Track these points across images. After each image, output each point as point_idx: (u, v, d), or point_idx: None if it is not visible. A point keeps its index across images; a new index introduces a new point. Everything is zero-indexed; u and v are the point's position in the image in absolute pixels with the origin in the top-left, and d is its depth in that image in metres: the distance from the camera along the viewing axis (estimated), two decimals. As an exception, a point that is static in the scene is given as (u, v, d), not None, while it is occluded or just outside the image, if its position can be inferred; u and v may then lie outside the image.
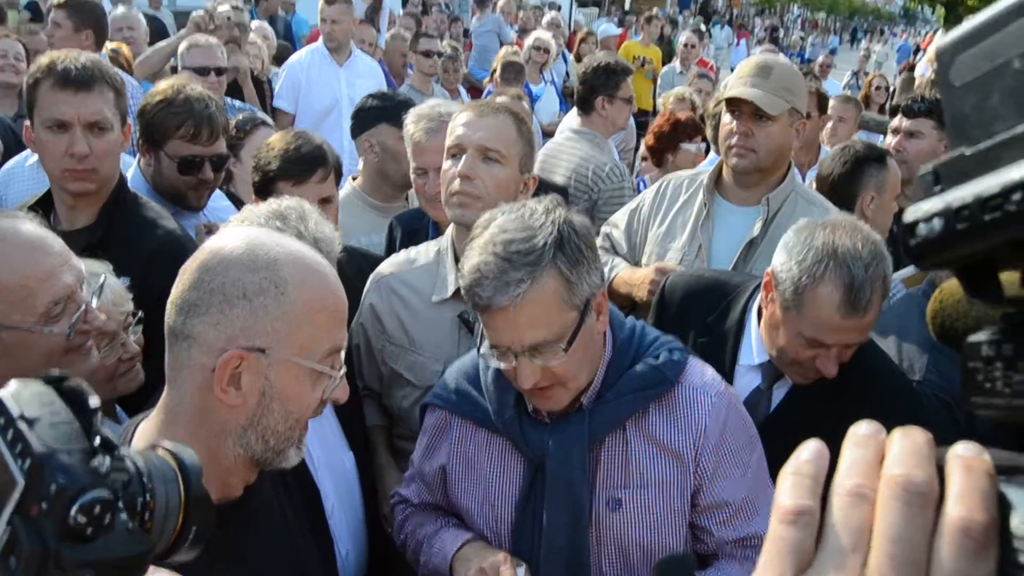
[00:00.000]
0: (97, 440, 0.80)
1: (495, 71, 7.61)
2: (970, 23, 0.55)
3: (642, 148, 5.64)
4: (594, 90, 4.56)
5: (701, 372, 1.95)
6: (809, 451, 0.55)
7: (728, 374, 2.32)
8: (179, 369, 1.38)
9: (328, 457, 2.17)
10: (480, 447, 1.98)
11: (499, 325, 1.74)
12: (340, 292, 1.46)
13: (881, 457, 0.52)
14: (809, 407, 2.23)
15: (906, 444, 0.52)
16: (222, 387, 1.34)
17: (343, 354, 1.47)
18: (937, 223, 0.53)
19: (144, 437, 1.42)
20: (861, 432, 0.55)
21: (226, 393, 1.34)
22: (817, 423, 2.15)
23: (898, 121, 4.01)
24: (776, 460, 2.11)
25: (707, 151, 4.86)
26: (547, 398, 1.83)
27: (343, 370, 1.46)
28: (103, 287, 1.91)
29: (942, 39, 0.57)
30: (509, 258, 1.70)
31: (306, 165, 2.79)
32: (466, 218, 2.28)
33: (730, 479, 1.88)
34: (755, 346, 2.34)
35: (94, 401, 0.83)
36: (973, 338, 0.56)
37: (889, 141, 4.02)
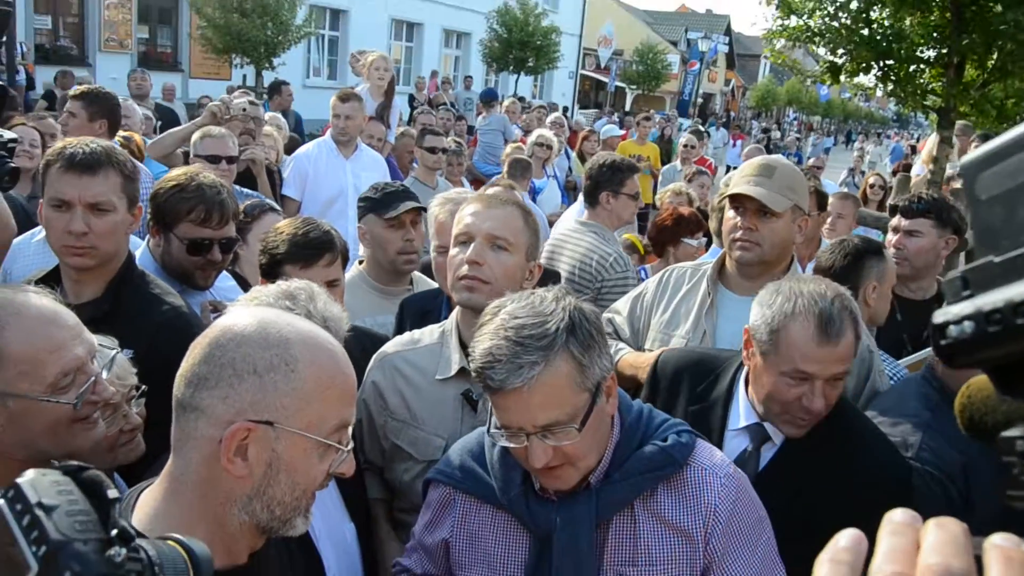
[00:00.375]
0: (114, 531, 0.82)
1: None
2: (992, 144, 0.59)
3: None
4: (600, 185, 4.72)
5: (710, 454, 1.97)
6: (847, 538, 0.55)
7: (718, 439, 2.40)
8: (185, 440, 1.39)
9: (329, 528, 2.17)
10: (485, 523, 1.98)
11: (511, 406, 1.76)
12: (349, 370, 1.48)
13: (917, 545, 0.52)
14: (797, 466, 2.32)
15: (942, 534, 0.51)
16: (228, 457, 1.34)
17: (351, 429, 1.49)
18: (968, 326, 0.56)
19: (146, 505, 1.42)
20: (897, 519, 0.54)
21: (232, 464, 1.35)
22: (804, 482, 2.28)
23: (897, 220, 4.08)
24: (773, 514, 2.08)
25: (708, 244, 4.94)
26: (556, 477, 1.83)
27: (350, 445, 1.47)
28: (114, 361, 1.94)
29: (966, 158, 0.61)
30: (522, 342, 1.73)
31: (314, 249, 2.85)
32: (473, 301, 2.35)
33: (740, 559, 1.88)
34: (743, 410, 2.44)
35: (112, 493, 0.86)
36: (1007, 433, 0.59)
37: (889, 239, 4.08)
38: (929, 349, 2.91)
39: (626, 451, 1.90)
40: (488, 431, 1.87)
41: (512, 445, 1.80)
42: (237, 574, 1.45)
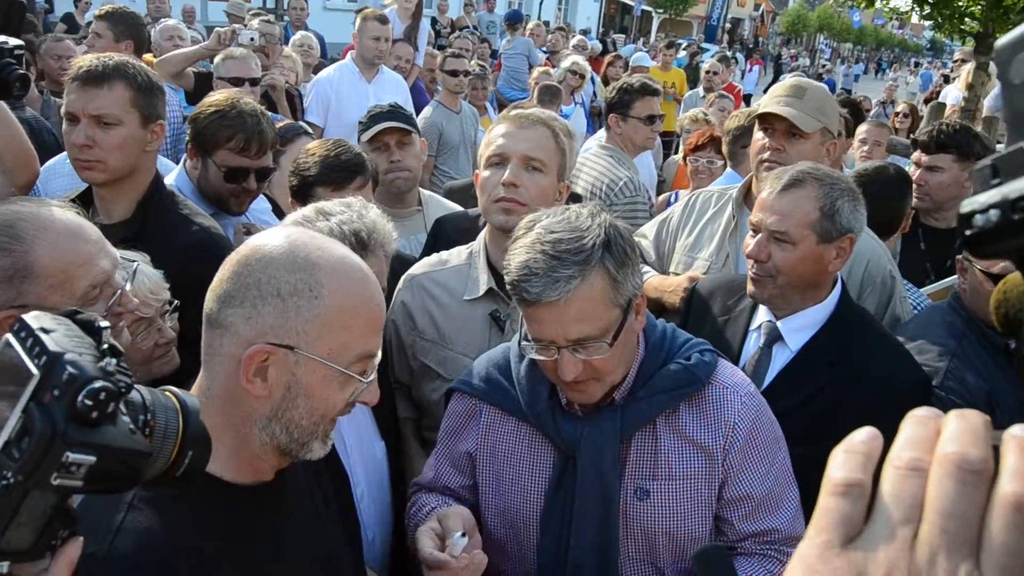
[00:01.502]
0: (105, 346, 0.92)
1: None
2: None
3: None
4: (609, 108, 4.70)
5: (732, 373, 2.01)
6: (863, 433, 0.56)
7: (741, 342, 2.48)
8: (212, 355, 1.41)
9: (360, 445, 2.22)
10: (509, 436, 2.02)
11: (545, 319, 1.77)
12: (377, 300, 1.47)
13: (938, 436, 0.53)
14: (811, 371, 2.36)
15: (962, 424, 0.52)
16: (248, 377, 1.36)
17: (376, 360, 1.48)
18: (994, 214, 0.56)
19: None
20: (919, 413, 0.55)
21: (251, 383, 1.36)
22: (818, 387, 2.33)
23: (918, 155, 4.02)
24: (781, 418, 2.13)
25: (724, 167, 4.93)
26: (581, 391, 1.86)
27: (373, 377, 1.47)
28: (136, 272, 1.98)
29: (999, 40, 0.60)
30: (558, 256, 1.74)
31: (346, 172, 2.85)
32: (510, 223, 2.32)
33: (755, 474, 1.93)
34: (762, 311, 2.51)
35: (103, 322, 0.95)
36: None
37: (912, 172, 4.03)
38: (953, 277, 2.89)
39: (651, 369, 1.94)
40: (519, 343, 1.89)
41: (542, 358, 1.82)
42: (263, 489, 1.48)
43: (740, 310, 2.56)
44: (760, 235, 2.37)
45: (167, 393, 1.02)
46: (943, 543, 0.49)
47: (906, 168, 4.01)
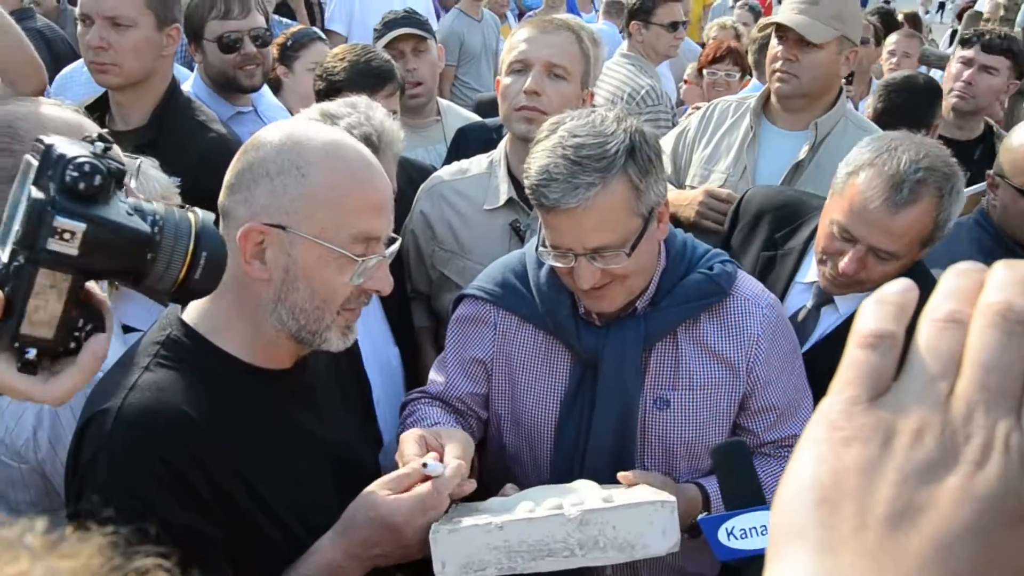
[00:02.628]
0: (95, 135, 1.00)
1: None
2: None
3: (687, 73, 5.58)
4: (631, 15, 4.58)
5: (752, 284, 2.00)
6: (897, 284, 0.51)
7: (783, 291, 2.31)
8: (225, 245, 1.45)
9: (375, 351, 2.22)
10: (525, 342, 2.00)
11: (563, 226, 1.74)
12: (376, 181, 1.46)
13: (981, 289, 0.48)
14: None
15: (1009, 273, 0.48)
16: (246, 259, 1.39)
17: (382, 244, 1.48)
18: None
19: (196, 304, 1.48)
20: (961, 266, 0.51)
21: (250, 265, 1.40)
22: None
23: (973, 53, 3.80)
24: (820, 383, 2.12)
25: (746, 76, 4.83)
26: (600, 298, 1.84)
27: (375, 259, 1.46)
28: (139, 170, 1.97)
29: None
30: (580, 161, 1.70)
31: (376, 78, 2.81)
32: (532, 133, 2.24)
33: (779, 385, 1.95)
34: (814, 265, 2.27)
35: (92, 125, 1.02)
36: None
37: (957, 71, 3.81)
38: (978, 185, 2.83)
39: (672, 279, 1.92)
40: (536, 248, 1.87)
41: (559, 265, 1.80)
42: (280, 375, 1.52)
43: (789, 249, 2.36)
44: (858, 249, 2.04)
45: (188, 211, 1.07)
46: (982, 398, 0.45)
47: (938, 80, 3.91)
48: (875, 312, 0.50)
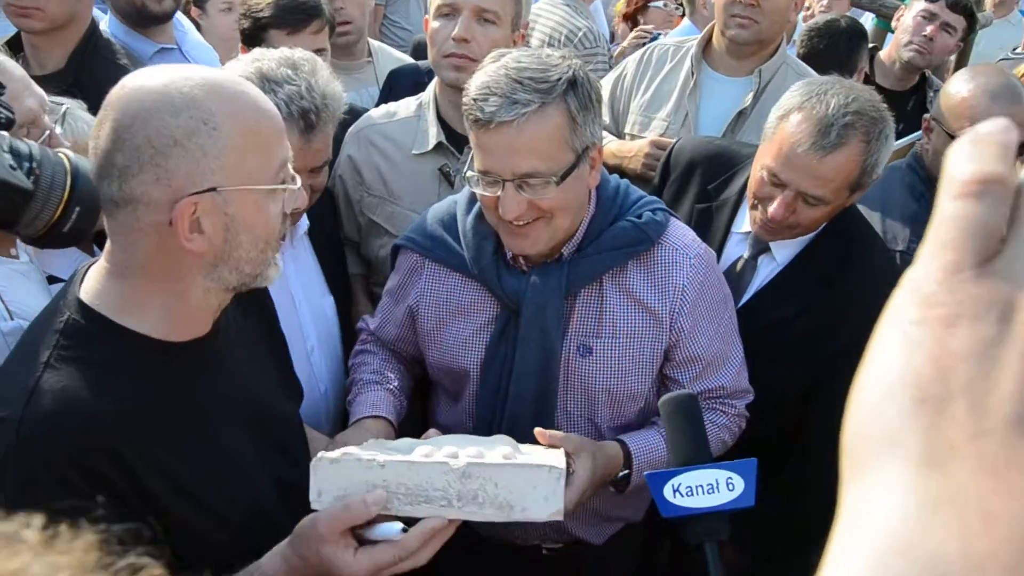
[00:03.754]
0: None
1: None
2: None
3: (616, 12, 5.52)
4: None
5: (682, 233, 1.98)
6: (995, 122, 0.41)
7: (721, 242, 2.31)
8: (127, 232, 1.32)
9: (309, 301, 2.20)
10: (453, 291, 2.00)
11: (495, 146, 1.72)
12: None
13: None
14: (795, 288, 2.22)
15: None
16: (186, 236, 1.29)
17: (290, 164, 1.42)
18: None
19: (96, 282, 1.37)
20: None
21: (191, 241, 1.30)
22: (800, 307, 2.18)
23: (938, 8, 3.73)
24: (761, 333, 2.13)
25: (682, 15, 4.76)
26: (525, 236, 1.82)
27: (297, 181, 1.42)
28: (65, 115, 1.90)
29: None
30: (521, 81, 1.69)
31: (302, 14, 2.71)
32: (461, 81, 2.21)
33: (705, 336, 1.95)
34: (749, 214, 2.26)
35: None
36: None
37: (913, 24, 3.74)
38: (912, 136, 2.87)
39: (600, 225, 1.90)
40: (464, 174, 1.85)
41: (486, 193, 1.78)
42: (195, 346, 1.42)
43: (723, 200, 2.35)
44: (787, 194, 2.04)
45: (60, 153, 1.00)
46: None
47: (864, 23, 3.88)
48: (974, 153, 0.39)
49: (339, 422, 2.27)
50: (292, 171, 1.41)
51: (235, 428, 1.49)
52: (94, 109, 2.13)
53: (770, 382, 2.10)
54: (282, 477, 1.53)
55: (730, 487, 1.43)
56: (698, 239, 2.01)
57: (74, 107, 2.00)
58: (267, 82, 1.90)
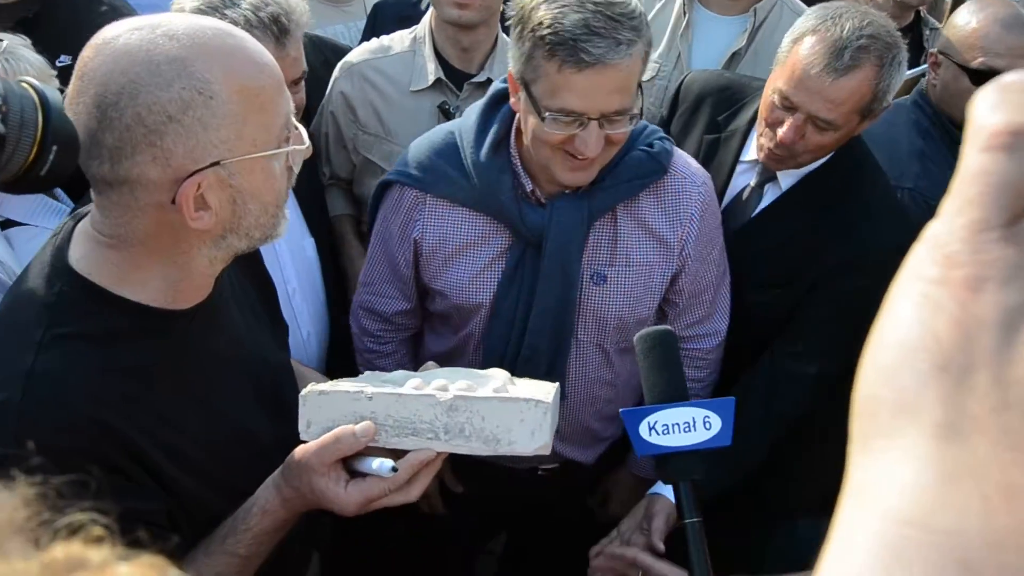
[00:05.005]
0: None
1: None
2: None
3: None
4: None
5: (686, 160, 2.00)
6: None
7: (728, 173, 2.28)
8: (123, 212, 1.20)
9: (289, 243, 2.12)
10: (459, 225, 1.93)
11: (587, 87, 1.65)
12: (266, 57, 1.25)
13: None
14: (794, 215, 2.19)
15: None
16: (192, 216, 1.18)
17: (292, 115, 1.31)
18: None
19: (88, 250, 1.26)
20: None
21: (198, 219, 1.19)
22: (797, 234, 2.14)
23: None
24: (760, 256, 2.12)
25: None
26: (585, 169, 1.79)
27: (301, 130, 1.31)
28: (6, 51, 1.79)
29: None
30: (617, 19, 1.63)
31: None
32: (464, 19, 2.22)
33: (707, 261, 2.01)
34: (756, 143, 2.22)
35: None
36: None
37: None
38: (915, 70, 2.80)
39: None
40: (539, 116, 1.72)
41: (558, 132, 1.71)
42: (195, 312, 1.34)
43: (732, 131, 2.30)
44: (797, 117, 2.01)
45: (23, 84, 0.90)
46: None
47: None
48: (1004, 101, 0.35)
49: (322, 366, 2.23)
50: (295, 123, 1.30)
51: (237, 388, 1.43)
52: (62, 38, 2.02)
53: (764, 307, 2.13)
54: (282, 434, 1.46)
55: (707, 426, 1.38)
56: (699, 167, 2.04)
57: (14, 43, 1.86)
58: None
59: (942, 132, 2.45)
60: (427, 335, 2.13)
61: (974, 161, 0.35)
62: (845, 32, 1.95)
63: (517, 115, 1.83)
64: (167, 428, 1.27)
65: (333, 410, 1.33)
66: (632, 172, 1.88)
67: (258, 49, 1.24)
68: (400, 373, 1.51)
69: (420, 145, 1.97)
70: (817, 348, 2.12)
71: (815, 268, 2.10)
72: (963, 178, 0.35)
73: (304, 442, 1.31)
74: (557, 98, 1.68)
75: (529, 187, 1.86)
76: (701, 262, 1.99)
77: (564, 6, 1.64)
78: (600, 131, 1.71)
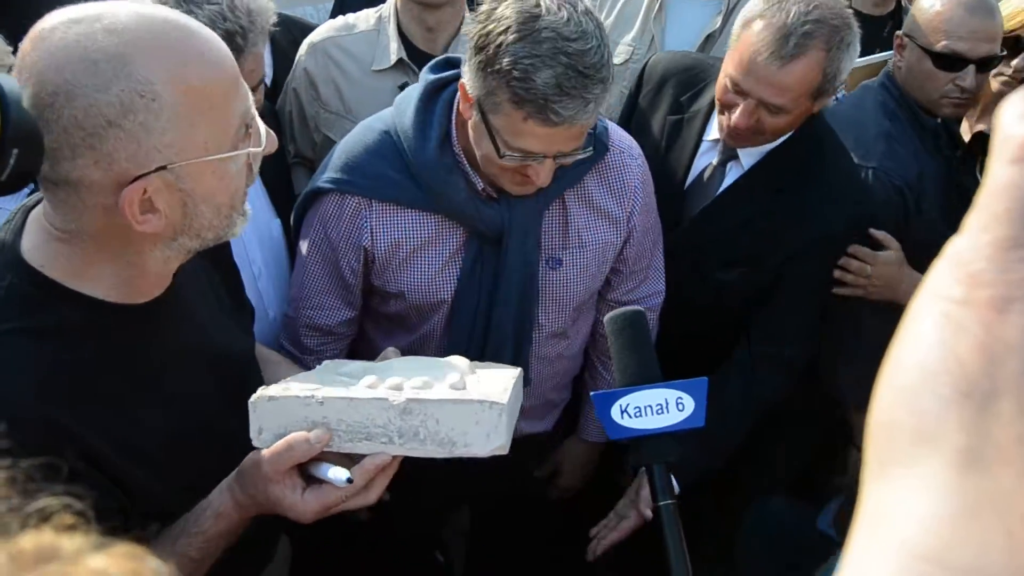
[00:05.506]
0: None
1: None
2: None
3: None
4: None
5: (620, 134, 2.02)
6: None
7: (691, 153, 2.26)
8: (71, 210, 1.15)
9: (256, 225, 2.05)
10: (409, 228, 1.87)
11: (551, 136, 1.63)
12: (217, 53, 1.16)
13: None
14: (756, 194, 2.19)
15: None
16: (137, 220, 1.12)
17: (254, 113, 1.24)
18: None
19: (41, 241, 1.21)
20: None
21: (144, 223, 1.13)
22: (759, 212, 2.16)
23: None
24: (720, 237, 2.14)
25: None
26: (533, 183, 1.75)
27: (262, 128, 1.25)
28: None
29: None
30: (587, 73, 1.56)
31: None
32: None
33: (648, 230, 2.06)
34: (718, 123, 2.21)
35: None
36: None
37: None
38: (885, 53, 2.80)
39: None
40: (498, 152, 1.67)
41: (516, 164, 1.69)
42: (153, 305, 1.30)
43: (695, 111, 2.28)
44: (748, 102, 2.01)
45: None
46: None
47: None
48: None
49: (287, 348, 2.20)
50: (257, 120, 1.24)
51: (199, 381, 1.39)
52: (29, 18, 1.94)
53: (731, 286, 2.14)
54: (248, 426, 1.42)
55: (680, 407, 1.35)
56: (631, 138, 2.05)
57: None
58: (185, 3, 1.71)
59: (908, 114, 2.46)
60: (377, 337, 2.06)
61: (1001, 174, 0.32)
62: (791, 18, 1.93)
63: (455, 107, 1.78)
64: (121, 422, 1.23)
65: (284, 416, 1.29)
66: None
67: (209, 42, 1.16)
68: (360, 364, 1.48)
69: (352, 148, 1.88)
70: (791, 332, 2.15)
71: (780, 249, 2.12)
72: (990, 191, 0.33)
73: (255, 448, 1.28)
74: (518, 140, 1.64)
75: (480, 185, 1.82)
76: (644, 231, 2.03)
77: (536, 57, 1.55)
78: (554, 163, 1.70)
